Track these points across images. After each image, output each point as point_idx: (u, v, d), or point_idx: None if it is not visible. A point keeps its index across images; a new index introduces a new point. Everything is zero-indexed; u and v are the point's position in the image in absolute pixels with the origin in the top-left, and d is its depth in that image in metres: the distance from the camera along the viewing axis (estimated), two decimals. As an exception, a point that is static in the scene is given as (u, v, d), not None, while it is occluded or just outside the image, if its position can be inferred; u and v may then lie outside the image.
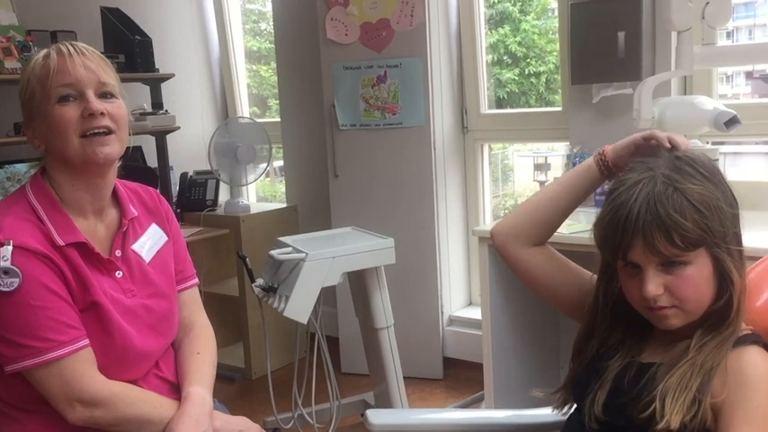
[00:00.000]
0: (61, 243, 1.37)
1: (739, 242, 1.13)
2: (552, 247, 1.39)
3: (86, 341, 1.37)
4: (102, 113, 1.38)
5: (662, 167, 1.12)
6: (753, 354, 1.10)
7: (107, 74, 1.42)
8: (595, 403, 1.16)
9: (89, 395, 1.36)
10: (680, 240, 1.07)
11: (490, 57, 3.43)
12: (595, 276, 1.27)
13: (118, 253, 1.47)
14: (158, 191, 1.67)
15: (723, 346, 1.10)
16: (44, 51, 1.40)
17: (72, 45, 1.40)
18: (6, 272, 1.30)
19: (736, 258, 1.12)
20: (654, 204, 1.07)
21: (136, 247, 1.51)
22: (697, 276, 1.10)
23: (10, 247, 1.31)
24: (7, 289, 1.30)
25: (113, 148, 1.41)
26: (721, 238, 1.10)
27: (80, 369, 1.35)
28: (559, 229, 2.49)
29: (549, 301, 1.39)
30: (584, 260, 1.73)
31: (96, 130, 1.38)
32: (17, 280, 1.30)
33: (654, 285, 1.10)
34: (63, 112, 1.37)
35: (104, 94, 1.41)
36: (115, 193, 1.51)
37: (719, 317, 1.12)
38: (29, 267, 1.32)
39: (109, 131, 1.40)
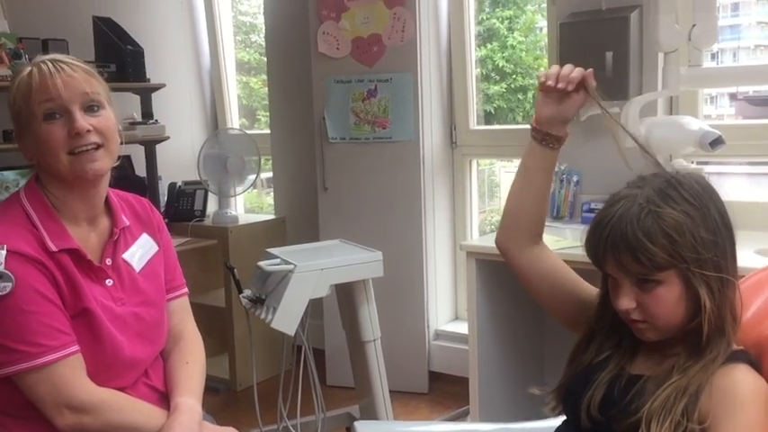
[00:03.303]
0: (54, 249, 1.38)
1: (719, 269, 1.13)
2: (555, 255, 1.41)
3: (76, 347, 1.38)
4: (88, 131, 1.39)
5: (648, 187, 1.15)
6: (741, 371, 1.12)
7: (91, 84, 1.42)
8: (592, 402, 1.18)
9: (78, 401, 1.36)
10: (646, 261, 1.10)
11: (478, 70, 3.46)
12: (595, 290, 1.31)
13: (108, 261, 1.48)
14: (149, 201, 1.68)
15: (708, 369, 1.11)
16: (28, 68, 1.40)
17: (53, 63, 1.40)
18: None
19: (713, 284, 1.12)
20: (625, 225, 1.11)
21: (126, 256, 1.52)
22: (667, 296, 1.13)
23: (3, 252, 1.32)
24: (0, 293, 1.30)
25: (103, 163, 1.42)
26: (694, 263, 1.11)
27: (70, 375, 1.36)
28: (547, 245, 2.51)
29: (550, 310, 1.41)
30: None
31: (84, 148, 1.39)
32: (10, 284, 1.31)
33: (627, 300, 1.15)
34: (50, 130, 1.38)
35: (91, 107, 1.41)
36: (107, 203, 1.52)
37: (695, 339, 1.14)
38: (22, 272, 1.32)
39: (97, 146, 1.41)
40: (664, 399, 1.09)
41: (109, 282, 1.47)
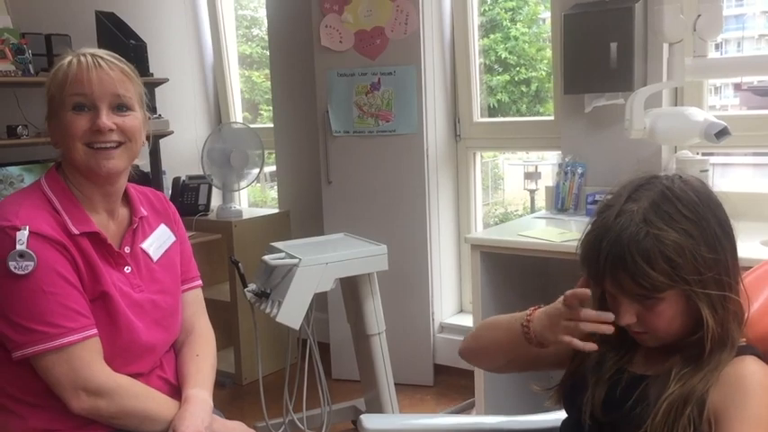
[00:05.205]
0: (75, 231, 1.40)
1: (721, 286, 1.11)
2: None
3: (95, 330, 1.39)
4: (110, 130, 1.42)
5: (644, 200, 1.12)
6: (748, 362, 1.11)
7: (124, 86, 1.45)
8: (594, 402, 1.18)
9: (94, 384, 1.37)
10: (647, 285, 1.09)
11: (481, 61, 3.44)
12: None
13: (127, 249, 1.51)
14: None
15: (707, 380, 1.10)
16: (68, 58, 1.44)
17: (93, 57, 1.43)
18: (22, 255, 1.32)
19: (715, 302, 1.11)
20: (623, 249, 1.08)
21: (144, 245, 1.55)
22: (668, 312, 1.12)
23: (26, 232, 1.34)
24: (22, 272, 1.32)
25: (119, 162, 1.45)
26: (696, 283, 1.09)
27: (87, 357, 1.37)
28: (550, 238, 2.51)
29: (554, 368, 1.41)
30: (576, 267, 1.74)
31: (103, 145, 1.42)
32: (32, 264, 1.33)
33: (628, 316, 1.14)
34: (74, 119, 1.41)
35: (120, 107, 1.44)
36: (126, 194, 1.55)
37: (696, 351, 1.13)
38: (43, 253, 1.34)
39: (117, 144, 1.44)
40: (664, 414, 1.08)
41: (127, 269, 1.50)
